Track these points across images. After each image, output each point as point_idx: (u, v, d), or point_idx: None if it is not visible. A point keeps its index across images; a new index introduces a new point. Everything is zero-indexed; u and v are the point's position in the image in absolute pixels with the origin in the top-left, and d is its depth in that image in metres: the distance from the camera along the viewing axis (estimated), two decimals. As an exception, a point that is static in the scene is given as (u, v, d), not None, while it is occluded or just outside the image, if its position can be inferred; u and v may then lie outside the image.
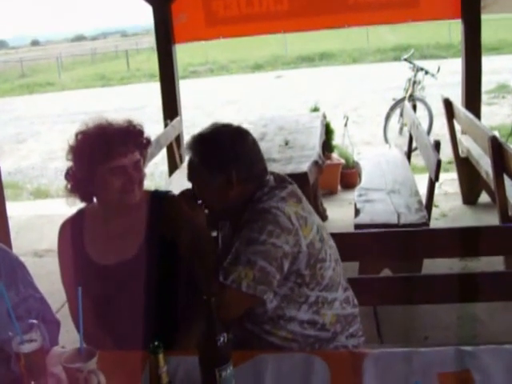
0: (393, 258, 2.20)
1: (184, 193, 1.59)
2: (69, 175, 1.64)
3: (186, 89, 10.47)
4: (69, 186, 1.64)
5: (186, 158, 1.63)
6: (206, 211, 1.59)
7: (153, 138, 3.83)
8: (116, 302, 1.62)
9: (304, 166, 3.16)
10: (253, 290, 1.44)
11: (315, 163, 3.29)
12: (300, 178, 3.02)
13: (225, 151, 1.53)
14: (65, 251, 1.70)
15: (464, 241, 1.97)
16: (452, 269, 2.97)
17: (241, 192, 1.54)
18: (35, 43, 77.07)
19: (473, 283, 2.00)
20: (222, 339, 1.17)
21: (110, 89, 18.05)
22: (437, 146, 2.88)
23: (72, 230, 1.71)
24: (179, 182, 3.17)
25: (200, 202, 1.58)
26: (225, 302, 1.41)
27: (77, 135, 1.61)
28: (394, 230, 2.66)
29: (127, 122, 1.62)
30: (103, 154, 1.55)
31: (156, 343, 1.09)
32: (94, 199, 1.68)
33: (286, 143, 3.70)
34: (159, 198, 1.70)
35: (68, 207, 1.70)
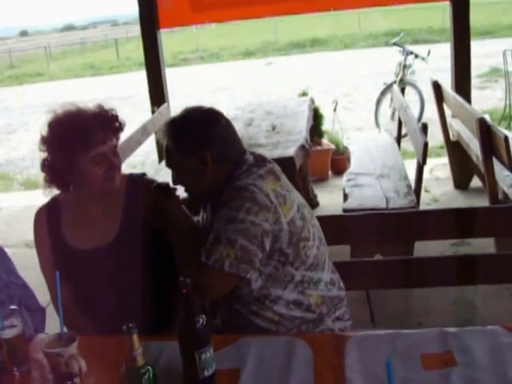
0: (384, 240, 2.18)
1: (159, 184, 1.59)
2: (45, 167, 1.60)
3: (177, 76, 10.42)
4: (47, 178, 1.60)
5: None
6: (186, 195, 1.60)
7: (140, 126, 3.87)
8: (96, 286, 1.61)
9: (290, 151, 3.13)
10: (235, 269, 1.44)
11: (302, 147, 3.26)
12: (286, 163, 3.00)
13: (196, 133, 1.53)
14: (42, 239, 1.68)
15: (455, 222, 1.96)
16: (443, 253, 2.96)
17: (218, 173, 1.54)
18: (24, 34, 76.03)
19: (466, 265, 1.99)
20: (200, 321, 1.16)
21: (100, 78, 17.87)
22: (424, 128, 2.86)
23: (48, 217, 1.68)
24: (168, 169, 3.16)
25: (183, 187, 1.58)
26: (209, 283, 1.42)
27: (50, 125, 1.56)
28: (385, 212, 2.64)
29: (99, 108, 1.58)
30: (83, 142, 1.52)
31: (130, 324, 1.08)
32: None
33: (273, 128, 3.67)
34: (135, 181, 1.69)
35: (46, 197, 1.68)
